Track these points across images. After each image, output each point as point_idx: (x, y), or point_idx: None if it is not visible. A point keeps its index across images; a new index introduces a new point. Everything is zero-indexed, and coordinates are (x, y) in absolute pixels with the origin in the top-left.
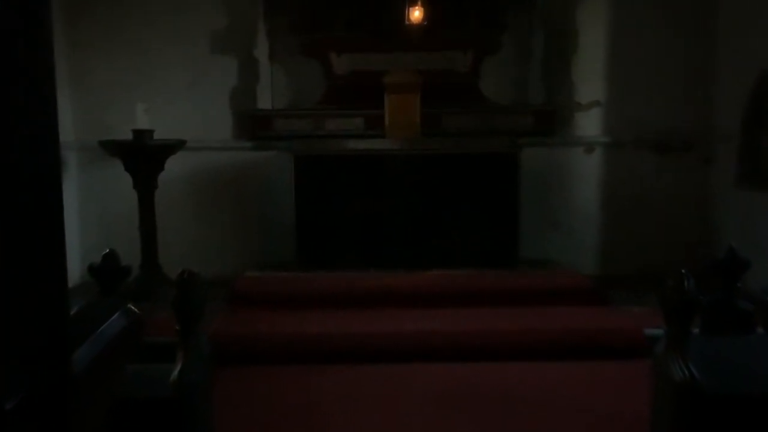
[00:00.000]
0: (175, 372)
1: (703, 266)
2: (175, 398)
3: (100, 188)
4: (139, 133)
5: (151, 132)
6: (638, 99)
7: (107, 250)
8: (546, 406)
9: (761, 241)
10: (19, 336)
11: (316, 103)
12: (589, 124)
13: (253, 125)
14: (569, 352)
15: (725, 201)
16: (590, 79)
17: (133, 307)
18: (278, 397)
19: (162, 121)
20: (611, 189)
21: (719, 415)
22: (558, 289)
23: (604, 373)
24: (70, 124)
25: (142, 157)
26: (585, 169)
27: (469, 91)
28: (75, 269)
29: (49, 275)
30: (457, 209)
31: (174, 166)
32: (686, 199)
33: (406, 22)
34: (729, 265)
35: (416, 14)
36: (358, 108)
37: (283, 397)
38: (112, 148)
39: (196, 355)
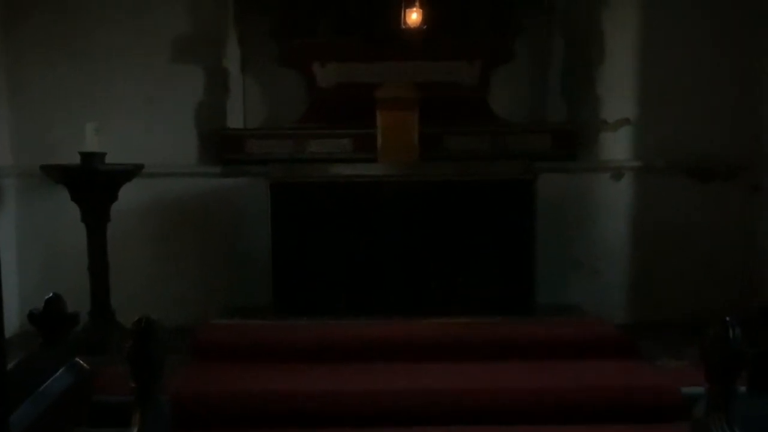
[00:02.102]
0: None
1: (751, 313)
2: None
3: (43, 221)
4: (88, 157)
5: (102, 155)
6: (674, 117)
7: (51, 294)
8: None
9: None
10: None
11: (296, 122)
12: (617, 146)
13: (222, 147)
14: (593, 415)
15: None
16: (618, 93)
17: (81, 361)
18: None
19: (115, 143)
20: (642, 222)
21: None
22: (580, 341)
23: None
24: (7, 146)
25: (92, 184)
26: (612, 198)
27: (476, 107)
28: (13, 316)
29: None
30: (461, 246)
31: (129, 195)
32: (731, 233)
33: (402, 26)
34: None
35: (414, 17)
36: (345, 127)
37: None
38: (57, 173)
39: (155, 418)
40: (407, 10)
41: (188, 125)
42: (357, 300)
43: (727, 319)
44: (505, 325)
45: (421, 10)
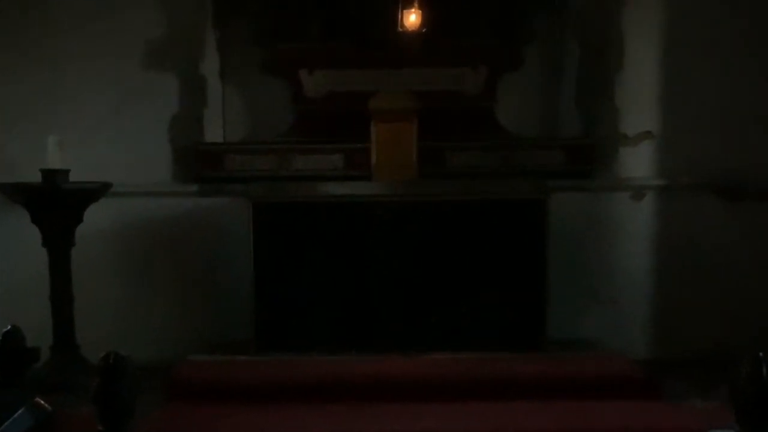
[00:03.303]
0: None
1: None
2: None
3: None
4: (50, 174)
5: (65, 172)
6: (701, 130)
7: (8, 327)
8: None
9: None
10: None
11: (281, 135)
12: (638, 163)
13: (199, 163)
14: None
15: None
16: (639, 103)
17: (41, 401)
18: None
19: (80, 159)
20: (666, 246)
21: None
22: (598, 379)
23: None
24: None
25: (55, 204)
26: (632, 220)
27: (482, 118)
28: None
29: None
30: (465, 274)
31: (96, 216)
32: (764, 259)
33: (400, 29)
34: None
35: (412, 18)
36: (336, 141)
37: None
38: (15, 193)
39: None
40: (404, 12)
41: (161, 139)
42: (349, 334)
43: (761, 354)
44: (514, 361)
45: (419, 11)
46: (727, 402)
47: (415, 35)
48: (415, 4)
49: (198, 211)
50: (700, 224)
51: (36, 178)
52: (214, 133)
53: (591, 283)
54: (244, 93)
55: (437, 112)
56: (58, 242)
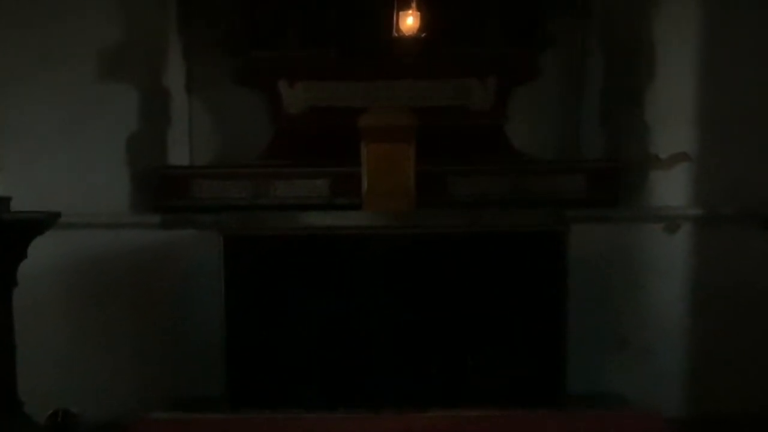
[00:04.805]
0: None
1: None
2: None
3: None
4: None
5: (6, 200)
6: (746, 151)
7: None
8: None
9: None
10: None
11: (257, 157)
12: (672, 190)
13: (161, 190)
14: None
15: None
16: (673, 120)
17: None
18: None
19: (23, 185)
20: (705, 287)
21: None
22: None
23: None
24: None
25: None
26: (665, 257)
27: (490, 138)
28: None
29: None
30: (471, 319)
31: (43, 251)
32: None
33: (395, 34)
34: None
35: (409, 22)
36: (320, 165)
37: None
38: None
39: None
40: (400, 14)
41: (118, 162)
42: (336, 388)
43: None
44: (529, 419)
45: (418, 14)
46: None
47: (413, 41)
48: (413, 5)
49: (160, 246)
50: (745, 261)
51: None
52: (179, 154)
53: (617, 329)
54: (213, 108)
55: (438, 130)
56: None
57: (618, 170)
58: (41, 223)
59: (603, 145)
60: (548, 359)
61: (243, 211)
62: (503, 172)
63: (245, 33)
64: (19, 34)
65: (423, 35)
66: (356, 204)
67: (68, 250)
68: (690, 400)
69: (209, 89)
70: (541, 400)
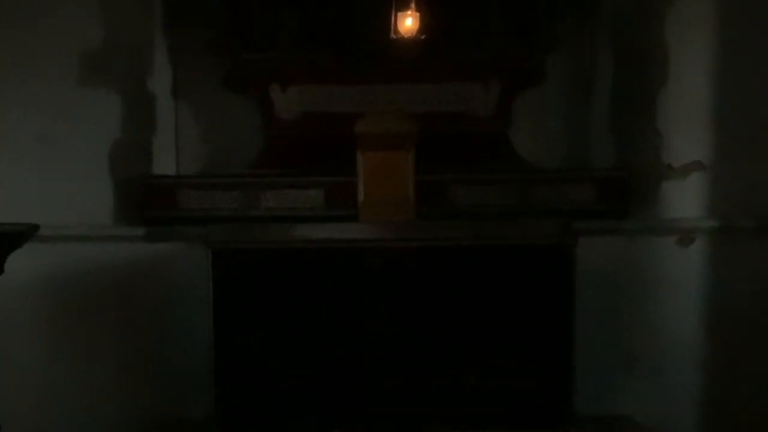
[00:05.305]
0: None
1: None
2: None
3: None
4: None
5: None
6: (763, 160)
7: None
8: None
9: None
10: None
11: (248, 166)
12: (686, 200)
13: (146, 201)
14: None
15: None
16: (687, 127)
17: None
18: None
19: (0, 195)
20: (720, 302)
21: None
22: None
23: None
24: None
25: None
26: (678, 271)
27: (494, 145)
28: None
29: None
30: (474, 336)
31: (20, 266)
32: None
33: (393, 36)
34: None
35: (408, 23)
36: (314, 173)
37: None
38: None
39: None
40: (399, 14)
41: (100, 171)
42: (330, 409)
43: None
44: None
45: (417, 14)
46: None
47: (412, 43)
48: (412, 5)
49: (145, 260)
50: (763, 276)
51: None
52: (165, 163)
53: (628, 346)
54: (201, 114)
55: (439, 137)
56: None
57: (628, 180)
58: (19, 235)
59: (612, 153)
60: (555, 379)
61: (233, 223)
62: (507, 181)
63: (235, 34)
64: None
65: (422, 37)
66: (352, 215)
67: (48, 265)
68: (704, 421)
69: (197, 94)
70: (547, 422)
